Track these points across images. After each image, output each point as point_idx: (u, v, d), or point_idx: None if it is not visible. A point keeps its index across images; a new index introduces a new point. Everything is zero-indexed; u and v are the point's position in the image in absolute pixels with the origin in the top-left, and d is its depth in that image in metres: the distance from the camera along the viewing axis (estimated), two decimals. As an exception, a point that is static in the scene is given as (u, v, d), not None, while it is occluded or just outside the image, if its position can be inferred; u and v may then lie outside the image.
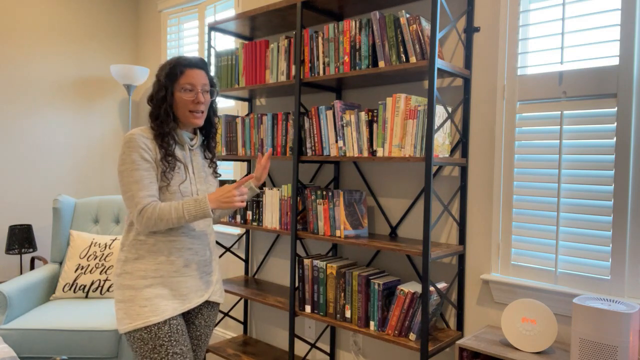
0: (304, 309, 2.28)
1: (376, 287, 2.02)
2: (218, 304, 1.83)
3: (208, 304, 1.79)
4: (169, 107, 1.63)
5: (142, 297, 1.58)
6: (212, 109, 1.78)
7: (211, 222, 1.82)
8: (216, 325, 2.92)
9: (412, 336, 1.91)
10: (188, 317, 1.77)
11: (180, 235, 1.66)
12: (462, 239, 2.07)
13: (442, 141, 1.95)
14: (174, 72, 1.64)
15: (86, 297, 2.86)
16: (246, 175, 2.01)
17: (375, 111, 2.03)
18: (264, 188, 2.48)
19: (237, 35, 2.84)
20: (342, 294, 2.13)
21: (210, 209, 1.56)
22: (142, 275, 1.60)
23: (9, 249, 3.23)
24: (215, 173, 1.83)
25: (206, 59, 2.80)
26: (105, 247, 2.90)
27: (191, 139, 1.74)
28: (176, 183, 1.64)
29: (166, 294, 1.62)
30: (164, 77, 1.64)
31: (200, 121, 1.68)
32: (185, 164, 1.69)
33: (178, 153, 1.68)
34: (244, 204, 1.66)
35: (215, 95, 1.75)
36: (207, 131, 1.80)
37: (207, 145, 1.82)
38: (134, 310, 1.57)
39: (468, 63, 2.04)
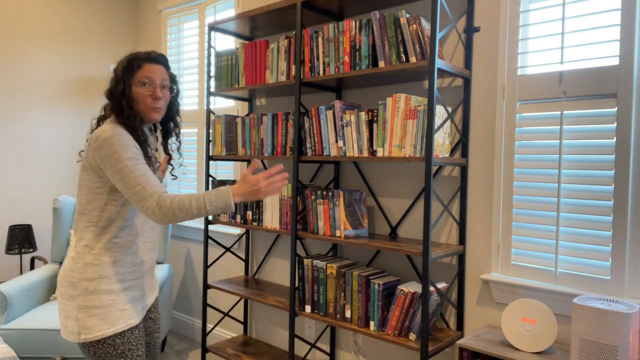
0: (304, 309, 2.28)
1: (376, 287, 2.02)
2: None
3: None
4: (130, 102, 1.56)
5: (121, 301, 1.56)
6: (175, 108, 1.72)
7: None
8: (216, 325, 2.93)
9: (412, 336, 1.91)
10: (145, 314, 1.76)
11: (151, 237, 1.67)
12: (462, 239, 2.07)
13: (442, 141, 1.95)
14: (131, 65, 1.57)
15: (86, 297, 2.86)
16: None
17: (375, 111, 2.02)
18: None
19: (237, 35, 2.84)
20: (342, 294, 2.13)
21: (233, 202, 1.49)
22: (121, 278, 1.57)
23: (9, 249, 3.23)
24: (172, 174, 1.76)
25: (206, 59, 2.80)
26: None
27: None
28: None
29: (138, 295, 1.62)
30: (121, 70, 1.57)
31: (159, 116, 1.62)
32: (155, 163, 1.67)
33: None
34: (278, 192, 1.58)
35: (174, 93, 1.68)
36: (167, 130, 1.75)
37: (165, 145, 1.77)
38: (113, 315, 1.53)
39: (468, 63, 2.04)
